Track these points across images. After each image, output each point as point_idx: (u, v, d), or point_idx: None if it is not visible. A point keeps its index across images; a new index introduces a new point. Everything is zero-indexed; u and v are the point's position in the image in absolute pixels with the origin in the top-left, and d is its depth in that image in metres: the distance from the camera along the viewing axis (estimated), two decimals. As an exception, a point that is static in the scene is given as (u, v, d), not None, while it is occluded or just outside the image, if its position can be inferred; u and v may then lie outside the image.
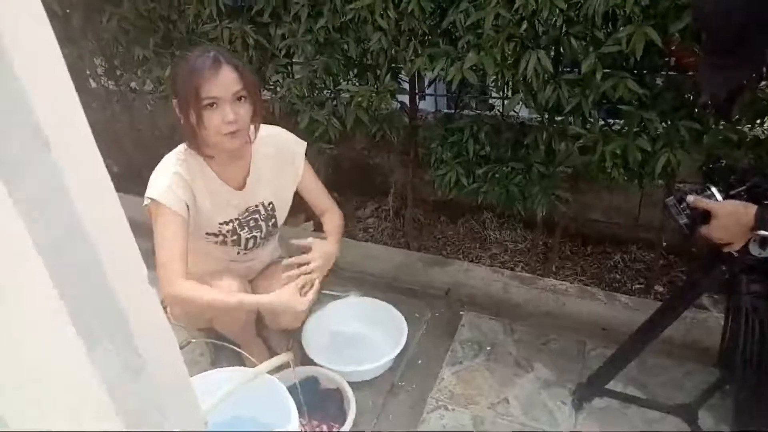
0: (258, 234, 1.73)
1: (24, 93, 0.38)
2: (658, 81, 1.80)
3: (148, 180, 1.55)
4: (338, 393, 1.75)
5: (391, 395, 1.81)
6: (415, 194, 2.61)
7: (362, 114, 2.11)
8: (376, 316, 2.03)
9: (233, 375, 1.49)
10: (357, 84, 2.17)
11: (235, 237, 1.68)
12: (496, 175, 2.05)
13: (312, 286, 1.57)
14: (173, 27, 2.44)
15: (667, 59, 1.77)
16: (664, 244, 2.23)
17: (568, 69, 1.85)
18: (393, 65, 2.08)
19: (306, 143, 1.78)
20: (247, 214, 1.69)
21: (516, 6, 1.66)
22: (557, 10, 1.62)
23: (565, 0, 1.60)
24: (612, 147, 1.75)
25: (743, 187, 1.24)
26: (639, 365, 1.75)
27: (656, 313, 1.49)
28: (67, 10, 2.64)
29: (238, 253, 1.74)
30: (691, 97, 1.74)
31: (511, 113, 2.17)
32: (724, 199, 1.24)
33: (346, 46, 2.08)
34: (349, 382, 1.75)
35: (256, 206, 1.71)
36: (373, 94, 2.04)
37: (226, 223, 1.66)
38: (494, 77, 1.85)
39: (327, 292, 2.22)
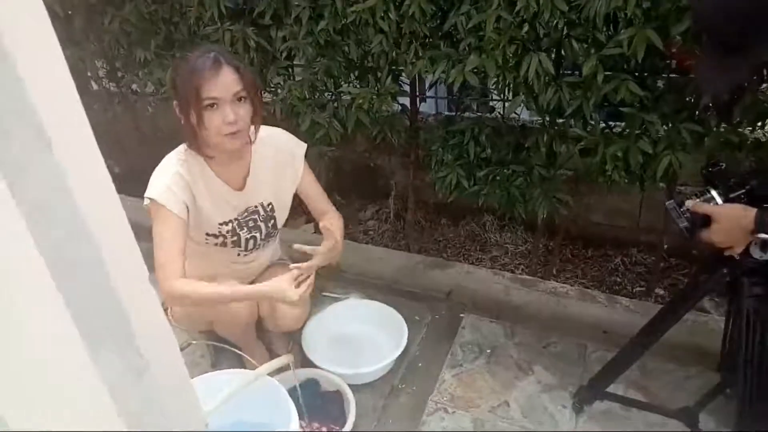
0: (257, 234, 1.73)
1: (26, 94, 0.38)
2: (660, 83, 1.80)
3: (149, 181, 1.55)
4: (338, 395, 1.75)
5: (391, 398, 1.80)
6: (416, 196, 2.62)
7: (363, 116, 2.11)
8: (377, 318, 2.03)
9: (234, 377, 1.49)
10: (358, 86, 2.18)
11: (234, 238, 1.68)
12: (497, 178, 2.05)
13: (308, 277, 1.56)
14: (175, 29, 2.44)
15: (668, 62, 1.77)
16: (665, 246, 2.23)
17: (570, 71, 1.85)
18: (394, 67, 2.08)
19: (306, 145, 1.78)
20: (246, 214, 1.70)
21: (517, 8, 1.66)
22: (558, 13, 1.63)
23: (566, 2, 1.61)
24: (613, 149, 1.75)
25: (743, 190, 1.24)
26: (640, 368, 1.75)
27: (657, 316, 1.49)
28: (69, 12, 2.65)
29: (239, 254, 1.74)
30: (693, 100, 1.74)
31: (512, 116, 2.17)
32: (724, 202, 1.24)
33: (347, 49, 2.08)
34: (350, 385, 1.75)
35: (255, 207, 1.71)
36: (374, 97, 2.05)
37: (226, 223, 1.66)
38: (495, 79, 1.85)
39: (327, 294, 2.22)
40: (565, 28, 1.70)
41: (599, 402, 1.67)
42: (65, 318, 0.42)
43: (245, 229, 1.70)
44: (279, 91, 2.32)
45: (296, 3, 2.05)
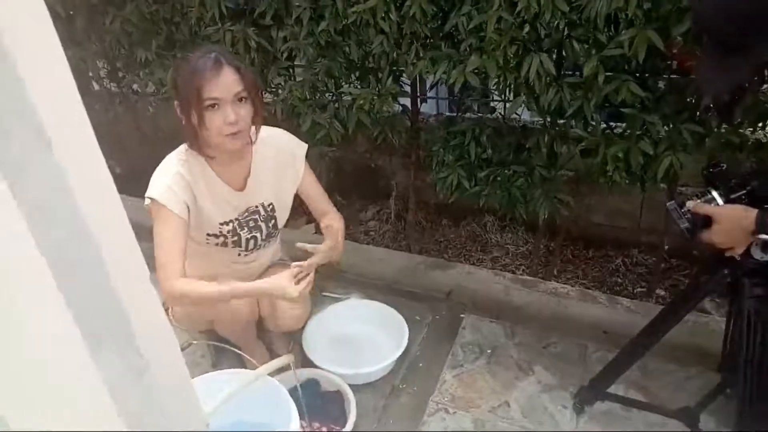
0: (258, 234, 1.73)
1: (27, 94, 0.38)
2: (661, 84, 1.80)
3: (149, 181, 1.55)
4: (339, 395, 1.75)
5: (391, 398, 1.80)
6: (417, 197, 2.62)
7: (364, 117, 2.11)
8: (378, 318, 2.03)
9: (234, 377, 1.49)
10: (359, 87, 2.18)
11: (235, 238, 1.68)
12: (498, 178, 2.05)
13: (308, 274, 1.56)
14: (176, 29, 2.45)
15: (669, 62, 1.77)
16: (666, 247, 2.23)
17: (570, 72, 1.85)
18: (395, 68, 2.08)
19: (307, 146, 1.78)
20: (246, 214, 1.70)
21: (518, 9, 1.66)
22: (559, 13, 1.63)
23: (567, 3, 1.60)
24: (614, 150, 1.75)
25: (744, 191, 1.24)
26: (640, 369, 1.74)
27: (658, 317, 1.49)
28: (71, 12, 2.65)
29: (239, 254, 1.74)
30: (694, 101, 1.74)
31: (513, 116, 2.17)
32: (725, 203, 1.24)
33: (347, 49, 2.08)
34: (350, 385, 1.75)
35: (256, 207, 1.71)
36: (375, 97, 2.05)
37: (227, 223, 1.66)
38: (496, 80, 1.85)
39: (328, 294, 2.22)
40: (566, 28, 1.70)
41: (600, 402, 1.67)
42: (66, 318, 0.42)
43: (246, 229, 1.70)
44: (280, 91, 2.32)
45: (297, 3, 2.05)
